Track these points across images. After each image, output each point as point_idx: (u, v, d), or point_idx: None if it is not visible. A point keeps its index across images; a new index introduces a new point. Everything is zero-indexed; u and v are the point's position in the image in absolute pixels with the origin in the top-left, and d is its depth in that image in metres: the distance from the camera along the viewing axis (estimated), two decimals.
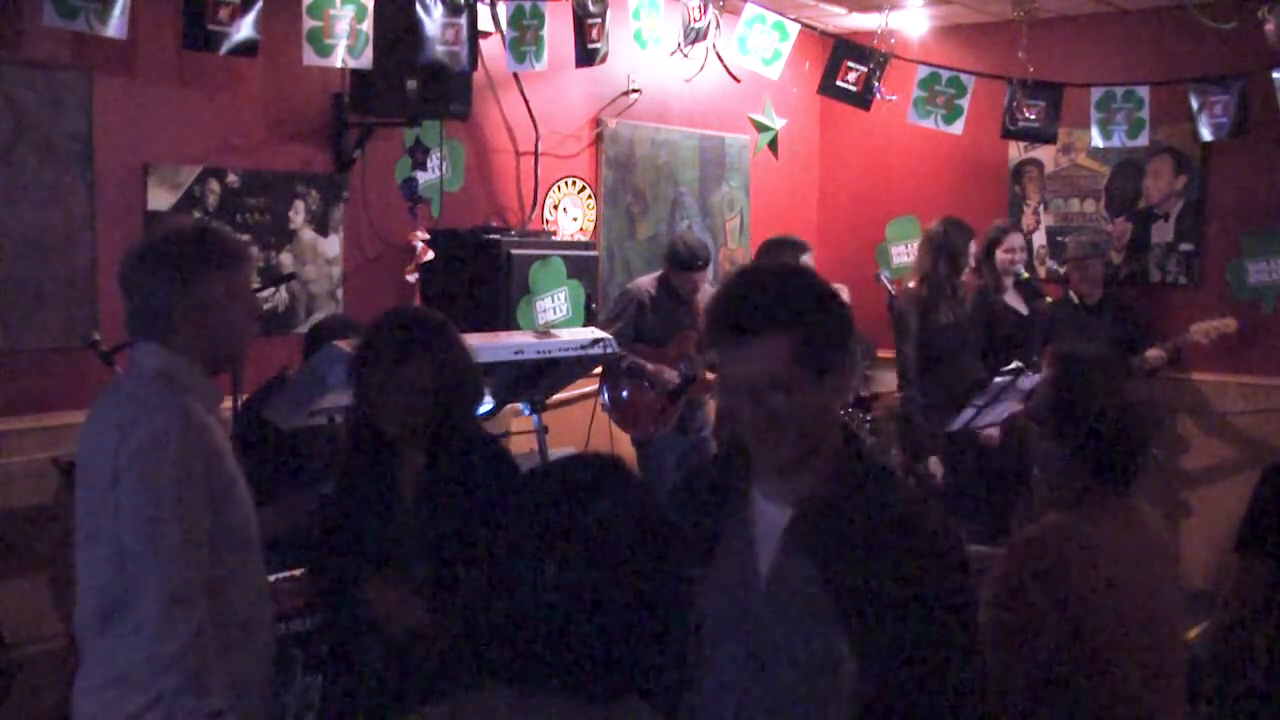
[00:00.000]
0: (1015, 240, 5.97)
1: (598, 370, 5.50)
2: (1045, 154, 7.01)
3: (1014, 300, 5.97)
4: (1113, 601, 2.41)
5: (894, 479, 1.97)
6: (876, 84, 6.13)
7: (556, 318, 5.44)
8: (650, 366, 5.57)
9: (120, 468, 2.29)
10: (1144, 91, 5.97)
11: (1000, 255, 5.92)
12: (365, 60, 4.68)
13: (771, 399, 1.84)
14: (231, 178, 4.78)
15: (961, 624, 1.86)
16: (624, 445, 5.66)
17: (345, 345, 3.39)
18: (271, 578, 3.23)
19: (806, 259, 5.28)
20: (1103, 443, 2.47)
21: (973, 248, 5.80)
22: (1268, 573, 2.74)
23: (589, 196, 6.29)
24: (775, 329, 1.83)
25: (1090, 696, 2.37)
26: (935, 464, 5.55)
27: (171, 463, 2.30)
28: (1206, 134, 5.98)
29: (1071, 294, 6.33)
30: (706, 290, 5.51)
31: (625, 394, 5.66)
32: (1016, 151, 7.08)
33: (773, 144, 7.19)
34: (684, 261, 5.60)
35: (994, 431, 5.59)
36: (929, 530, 1.88)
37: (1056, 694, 2.35)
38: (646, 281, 5.80)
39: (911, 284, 5.79)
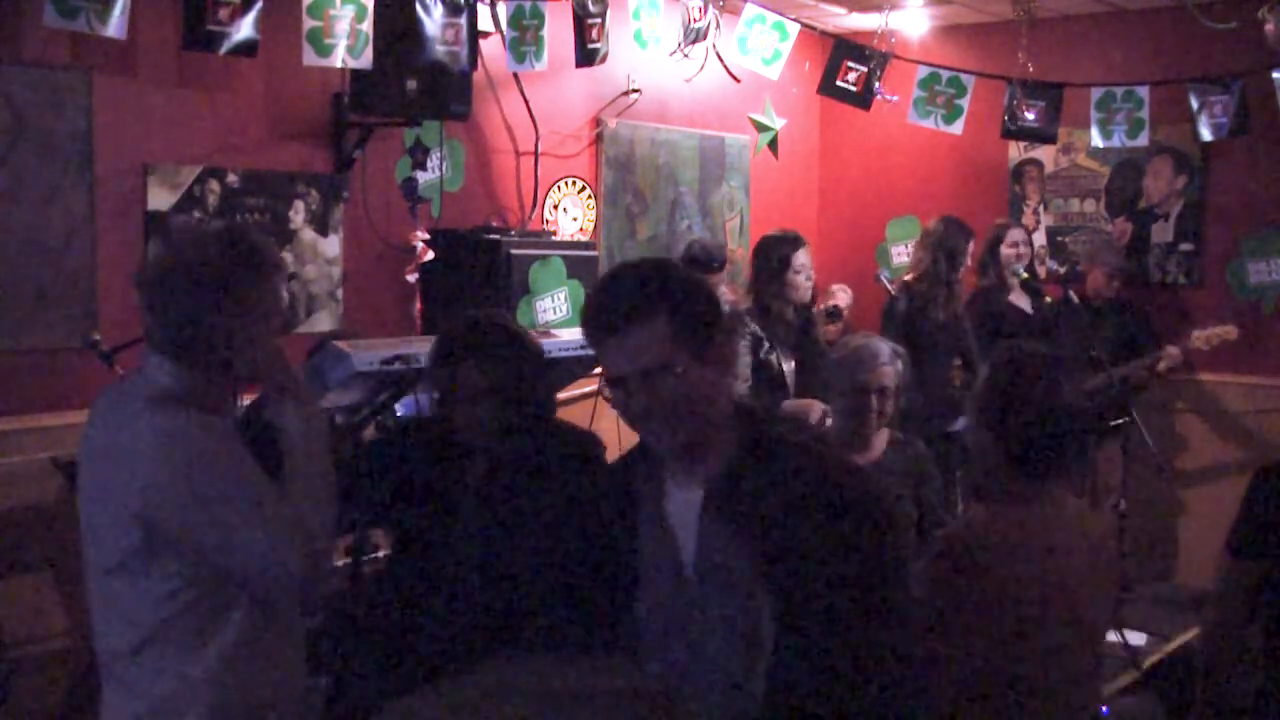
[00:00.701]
0: (1018, 235, 5.98)
1: (598, 370, 5.50)
2: (1045, 154, 7.01)
3: (1019, 299, 5.97)
4: (1015, 593, 2.50)
5: (802, 449, 2.00)
6: (876, 84, 6.14)
7: (556, 318, 5.44)
8: None
9: (185, 486, 2.16)
10: (1144, 91, 5.97)
11: (1005, 250, 5.92)
12: (365, 60, 4.68)
13: (659, 383, 1.90)
14: (231, 178, 4.78)
15: (883, 580, 1.88)
16: (628, 442, 5.65)
17: (345, 345, 3.40)
18: None
19: (801, 255, 5.26)
20: (1032, 438, 2.54)
21: (971, 248, 5.80)
22: (1254, 575, 2.76)
23: (589, 196, 6.29)
24: (647, 315, 1.90)
25: (997, 683, 2.50)
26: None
27: (224, 446, 2.23)
28: (1206, 134, 5.98)
29: (1072, 294, 6.33)
30: (723, 293, 5.49)
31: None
32: (1016, 151, 7.08)
33: (773, 144, 7.20)
34: (699, 262, 5.61)
35: None
36: (845, 491, 1.91)
37: (971, 677, 2.48)
38: None
39: (907, 278, 5.78)
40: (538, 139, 5.97)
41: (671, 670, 1.94)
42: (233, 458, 2.23)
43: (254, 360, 2.29)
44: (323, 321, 5.08)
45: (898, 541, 1.94)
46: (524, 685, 1.50)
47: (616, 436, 5.57)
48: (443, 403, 2.84)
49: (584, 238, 6.15)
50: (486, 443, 2.83)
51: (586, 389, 5.62)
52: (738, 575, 1.88)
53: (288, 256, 4.97)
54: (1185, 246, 6.65)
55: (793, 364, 5.17)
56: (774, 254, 5.19)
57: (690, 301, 1.94)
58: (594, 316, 1.96)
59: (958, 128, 6.14)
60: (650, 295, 1.92)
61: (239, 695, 2.29)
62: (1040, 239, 7.06)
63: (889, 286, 5.68)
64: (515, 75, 5.70)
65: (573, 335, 4.83)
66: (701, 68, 6.56)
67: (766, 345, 5.10)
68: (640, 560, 1.98)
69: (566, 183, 6.18)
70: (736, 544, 1.89)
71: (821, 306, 5.48)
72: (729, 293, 5.40)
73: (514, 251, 5.26)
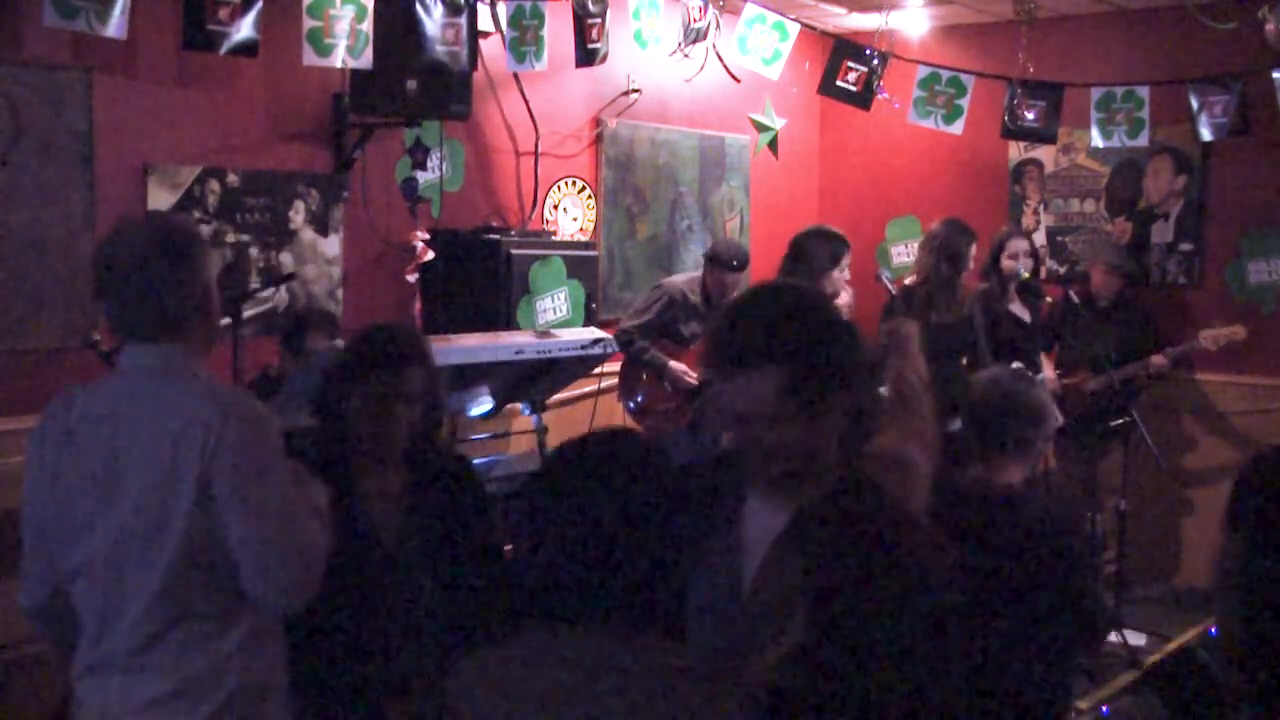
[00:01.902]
0: (1019, 245, 5.96)
1: (598, 370, 5.51)
2: (1045, 154, 7.01)
3: (1018, 308, 5.95)
4: None
5: (883, 493, 1.99)
6: (876, 84, 6.13)
7: (556, 318, 5.44)
8: (672, 364, 5.59)
9: (238, 465, 2.23)
10: (1144, 91, 5.97)
11: (1005, 261, 5.91)
12: (365, 60, 4.68)
13: (756, 429, 1.87)
14: (231, 178, 4.78)
15: (930, 639, 1.85)
16: None
17: (344, 345, 3.40)
18: None
19: (848, 255, 5.35)
20: None
21: (974, 250, 5.80)
22: (1242, 545, 2.77)
23: (589, 196, 6.29)
24: (765, 363, 1.85)
25: None
26: None
27: (278, 444, 2.32)
28: (1206, 134, 5.98)
29: (1073, 295, 6.32)
30: (842, 295, 5.49)
31: (641, 397, 5.70)
32: (1016, 151, 7.08)
33: (773, 144, 7.20)
34: (721, 260, 5.64)
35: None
36: (915, 546, 1.89)
37: None
38: (681, 280, 5.81)
39: (910, 279, 5.78)
40: (538, 139, 5.97)
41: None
42: (280, 449, 2.34)
43: (218, 323, 2.46)
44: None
45: (943, 598, 1.89)
46: (567, 655, 1.62)
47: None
48: (363, 414, 2.75)
49: (584, 238, 6.15)
50: (398, 461, 2.82)
51: (586, 389, 5.62)
52: (790, 605, 1.87)
53: (288, 257, 4.97)
54: (1185, 246, 6.65)
55: None
56: (823, 250, 5.25)
57: (817, 353, 1.87)
58: (716, 346, 1.92)
59: (958, 128, 6.14)
60: (770, 343, 1.86)
61: (262, 674, 2.35)
62: (1040, 239, 7.05)
63: (889, 286, 5.68)
64: (515, 75, 5.70)
65: (573, 335, 4.83)
66: (701, 68, 6.56)
67: None
68: (701, 561, 1.95)
69: (566, 183, 6.18)
70: (798, 583, 1.87)
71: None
72: (845, 294, 5.45)
73: (514, 251, 5.26)
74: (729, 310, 1.97)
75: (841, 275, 5.32)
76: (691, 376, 5.59)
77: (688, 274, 5.92)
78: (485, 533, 2.92)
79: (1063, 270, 6.69)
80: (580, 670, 1.60)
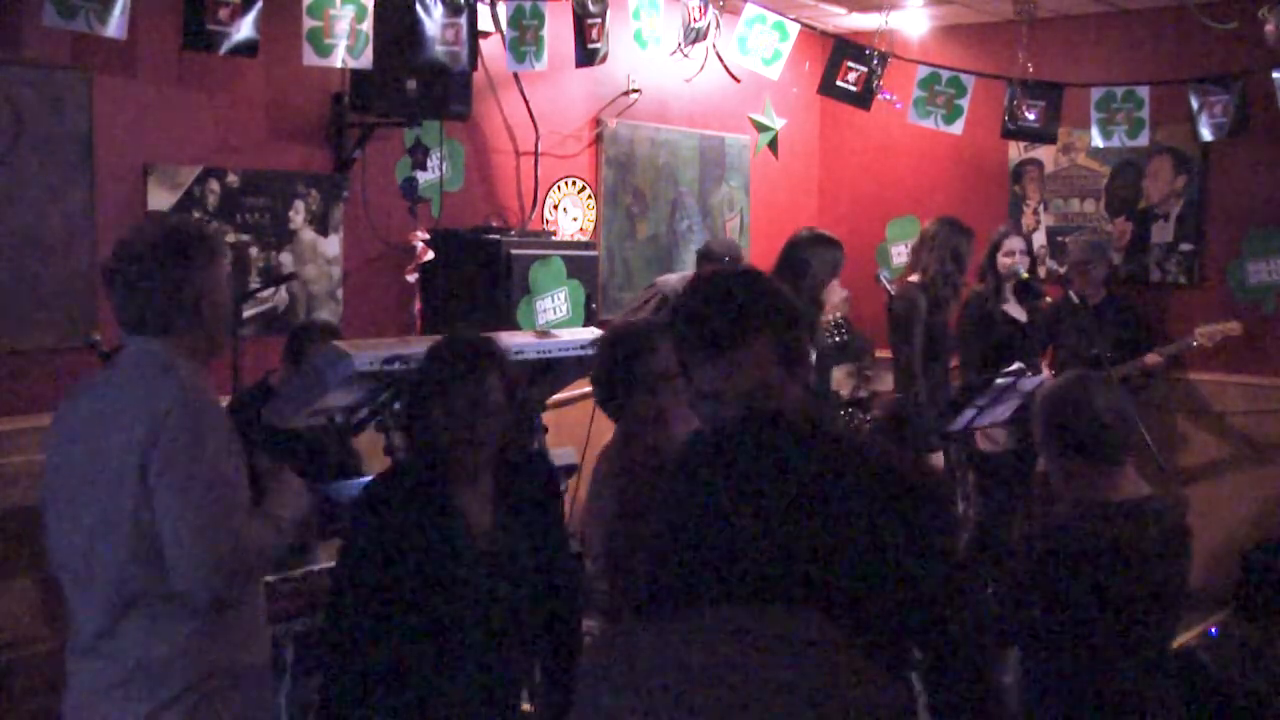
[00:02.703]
0: (1014, 244, 5.95)
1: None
2: (1045, 154, 7.01)
3: (1013, 309, 5.94)
4: None
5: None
6: (876, 84, 6.13)
7: (556, 318, 5.44)
8: None
9: (168, 449, 2.29)
10: (1144, 91, 5.97)
11: (1001, 259, 5.90)
12: (365, 60, 4.68)
13: (762, 403, 1.88)
14: (231, 178, 4.78)
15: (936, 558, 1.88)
16: None
17: (345, 345, 3.40)
18: (270, 578, 3.23)
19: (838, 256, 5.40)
20: None
21: (972, 247, 5.78)
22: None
23: (589, 196, 6.29)
24: (753, 335, 1.90)
25: None
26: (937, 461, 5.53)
27: (223, 437, 2.36)
28: (1206, 134, 5.98)
29: (1072, 294, 6.32)
30: (837, 293, 5.51)
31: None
32: (1016, 151, 7.08)
33: (773, 144, 7.20)
34: (716, 257, 5.66)
35: (999, 435, 5.59)
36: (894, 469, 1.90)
37: None
38: (675, 279, 5.80)
39: (914, 279, 5.73)
40: (538, 139, 5.97)
41: None
42: (228, 441, 2.39)
43: (222, 326, 2.53)
44: None
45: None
46: (736, 627, 1.59)
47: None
48: (450, 426, 2.73)
49: (584, 238, 6.15)
50: (507, 453, 2.83)
51: (586, 389, 5.62)
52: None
53: (288, 256, 4.97)
54: (1185, 246, 6.65)
55: None
56: (825, 260, 5.22)
57: (791, 321, 1.94)
58: (694, 333, 1.93)
59: (958, 128, 6.14)
60: (756, 315, 1.91)
61: (228, 658, 2.41)
62: (1040, 239, 7.05)
63: (889, 286, 5.67)
64: (515, 75, 5.70)
65: (573, 335, 4.83)
66: (701, 68, 6.56)
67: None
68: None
69: (566, 183, 6.18)
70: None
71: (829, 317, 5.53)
72: (839, 294, 5.48)
73: (514, 251, 5.26)
74: (696, 293, 1.98)
75: (835, 281, 5.33)
76: None
77: (680, 273, 5.91)
78: (566, 536, 3.01)
79: (1063, 270, 6.69)
80: (751, 643, 1.57)
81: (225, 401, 3.74)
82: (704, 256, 5.70)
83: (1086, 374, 2.95)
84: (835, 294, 5.40)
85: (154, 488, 2.29)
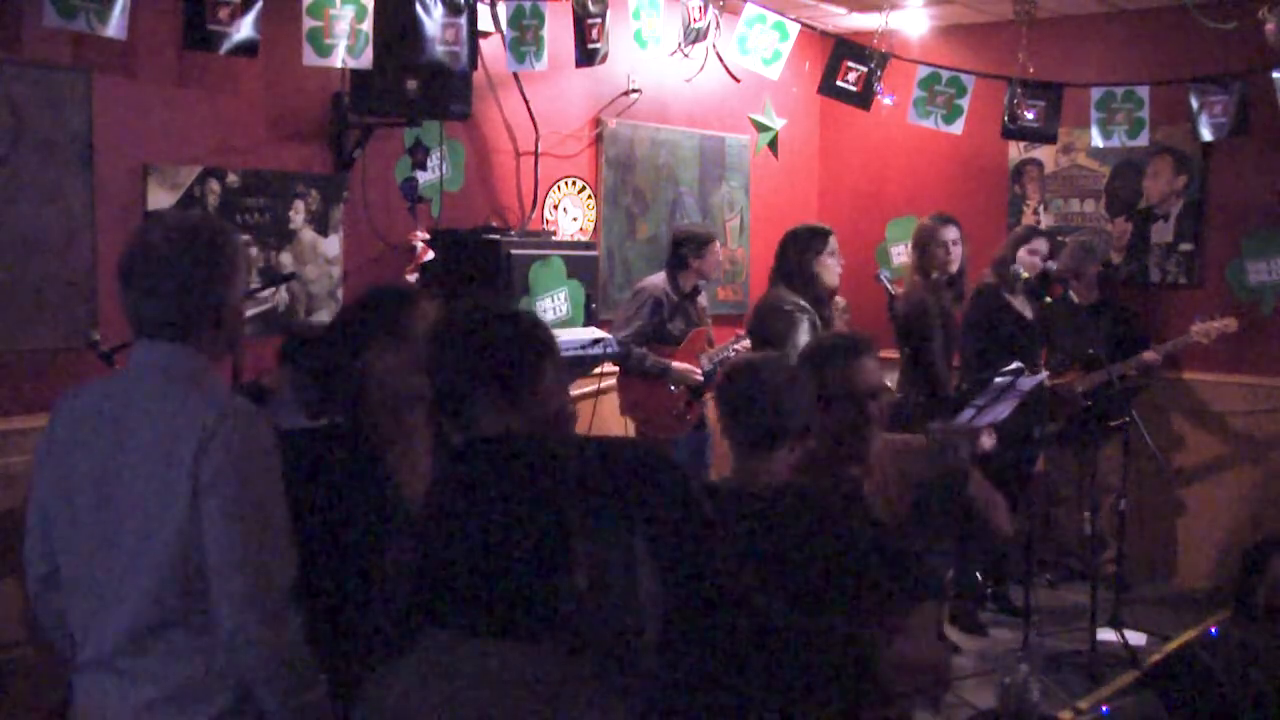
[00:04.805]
0: (1040, 244, 5.96)
1: (598, 370, 5.51)
2: (1045, 154, 7.01)
3: (1020, 304, 5.95)
4: None
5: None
6: (876, 84, 6.13)
7: (556, 318, 5.44)
8: (675, 365, 5.61)
9: (218, 469, 2.18)
10: (1144, 91, 5.97)
11: (1024, 254, 5.89)
12: (365, 60, 4.68)
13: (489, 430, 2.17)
14: (231, 178, 4.78)
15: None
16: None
17: None
18: None
19: (833, 243, 5.51)
20: None
21: (952, 234, 5.79)
22: None
23: (589, 196, 6.29)
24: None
25: None
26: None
27: (275, 466, 2.25)
28: (1206, 134, 5.98)
29: (1071, 294, 6.33)
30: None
31: (645, 406, 5.71)
32: (1016, 151, 7.08)
33: (773, 144, 7.20)
34: (700, 236, 5.75)
35: (988, 440, 5.60)
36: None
37: None
38: (658, 280, 5.81)
39: (916, 279, 5.75)
40: (538, 139, 5.97)
41: None
42: (273, 462, 2.28)
43: (238, 331, 2.40)
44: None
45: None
46: (467, 668, 1.64)
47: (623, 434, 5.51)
48: (382, 382, 2.60)
49: (584, 238, 6.15)
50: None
51: (586, 389, 5.63)
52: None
53: (288, 257, 4.97)
54: (1185, 246, 6.65)
55: None
56: (807, 245, 5.48)
57: (509, 368, 2.23)
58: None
59: (958, 128, 6.15)
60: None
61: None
62: None
63: (889, 286, 5.67)
64: (515, 75, 5.70)
65: (573, 335, 4.83)
66: (701, 68, 6.56)
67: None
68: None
69: (566, 183, 6.18)
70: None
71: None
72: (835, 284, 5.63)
73: (514, 251, 5.26)
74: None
75: (835, 260, 5.53)
76: (697, 373, 5.63)
77: (655, 275, 5.90)
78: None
79: (1056, 270, 6.68)
80: (479, 682, 1.63)
81: None
82: (688, 240, 5.77)
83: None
84: (833, 278, 5.50)
85: (203, 502, 2.19)
